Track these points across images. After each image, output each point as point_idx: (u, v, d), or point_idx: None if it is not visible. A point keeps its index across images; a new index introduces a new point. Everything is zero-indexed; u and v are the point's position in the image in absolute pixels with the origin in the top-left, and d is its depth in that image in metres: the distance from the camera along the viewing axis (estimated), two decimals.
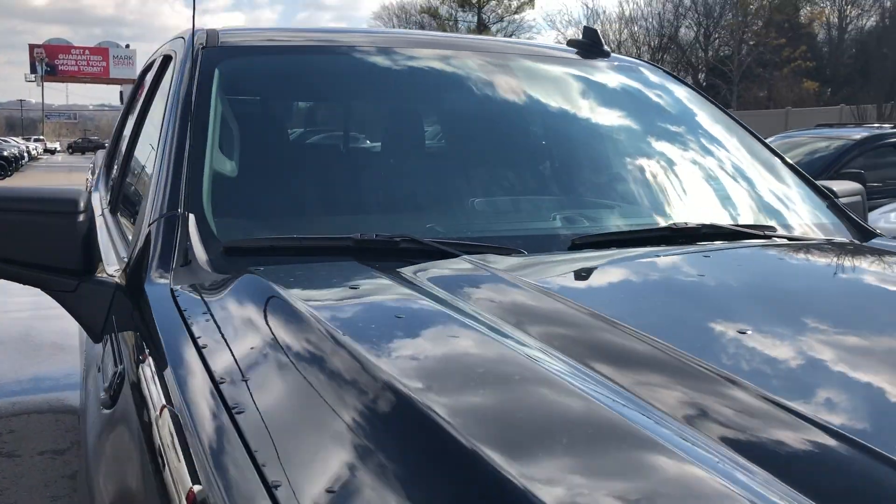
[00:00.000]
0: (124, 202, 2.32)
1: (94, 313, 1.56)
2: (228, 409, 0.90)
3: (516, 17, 48.33)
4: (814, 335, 1.13)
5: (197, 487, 0.83)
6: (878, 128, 8.90)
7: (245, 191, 1.74)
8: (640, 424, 0.80)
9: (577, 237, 1.62)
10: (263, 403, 0.91)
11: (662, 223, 1.74)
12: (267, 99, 2.03)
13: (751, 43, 40.22)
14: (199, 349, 1.09)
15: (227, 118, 1.85)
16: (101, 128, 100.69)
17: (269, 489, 0.74)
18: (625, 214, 1.82)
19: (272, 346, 1.05)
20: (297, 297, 1.18)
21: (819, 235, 1.87)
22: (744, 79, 38.76)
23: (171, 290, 1.36)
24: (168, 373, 1.09)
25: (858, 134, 8.30)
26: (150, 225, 1.57)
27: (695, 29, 43.98)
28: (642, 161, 2.03)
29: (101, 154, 4.59)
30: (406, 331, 1.08)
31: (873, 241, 1.85)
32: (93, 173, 4.41)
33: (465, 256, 1.44)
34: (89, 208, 1.58)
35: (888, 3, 41.52)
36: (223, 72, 1.90)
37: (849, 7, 43.05)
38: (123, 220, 2.18)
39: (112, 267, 1.75)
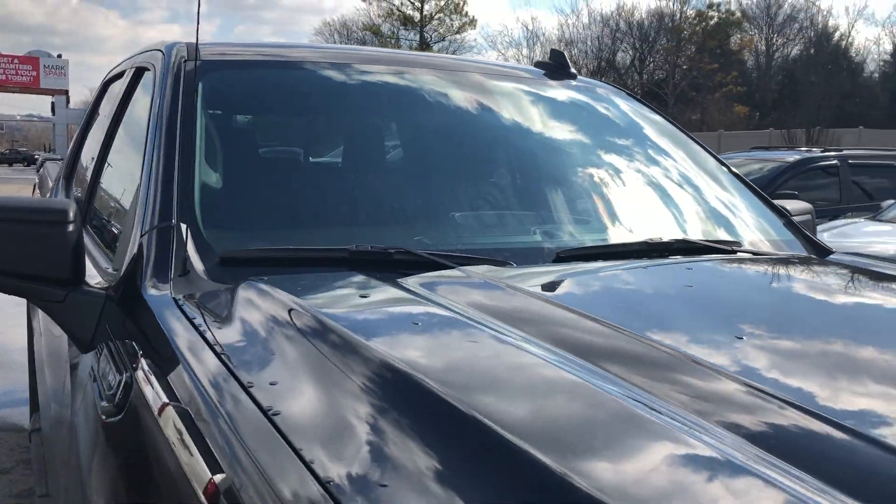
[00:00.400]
0: (97, 214, 2.30)
1: (84, 323, 1.55)
2: (263, 410, 0.93)
3: (458, 36, 48.84)
4: (794, 338, 1.22)
5: (218, 477, 0.86)
6: (808, 151, 9.31)
7: (235, 203, 1.76)
8: (653, 416, 0.87)
9: (561, 250, 1.69)
10: (296, 405, 0.94)
11: (636, 238, 1.83)
12: (251, 112, 2.06)
13: (684, 67, 41.50)
14: (217, 355, 1.11)
15: (212, 131, 1.87)
16: (29, 139, 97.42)
17: (323, 486, 0.78)
18: (600, 229, 1.91)
19: (293, 351, 1.09)
20: (308, 304, 1.21)
21: (779, 251, 1.98)
22: (678, 102, 39.93)
23: (174, 298, 1.38)
24: (186, 377, 1.11)
25: (791, 157, 8.67)
26: (142, 236, 1.58)
27: (631, 53, 45.19)
28: (613, 179, 2.12)
29: (50, 166, 4.48)
30: (426, 337, 1.13)
31: (831, 256, 1.97)
32: (41, 187, 4.31)
33: (462, 267, 1.50)
34: (78, 218, 1.58)
35: (811, 34, 43.51)
36: (207, 85, 1.92)
37: (775, 36, 44.90)
38: (97, 232, 2.16)
39: (93, 278, 1.75)
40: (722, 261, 1.73)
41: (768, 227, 2.13)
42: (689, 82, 40.06)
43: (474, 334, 1.12)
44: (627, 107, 2.46)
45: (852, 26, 46.84)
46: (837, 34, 43.34)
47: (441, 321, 1.19)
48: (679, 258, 1.71)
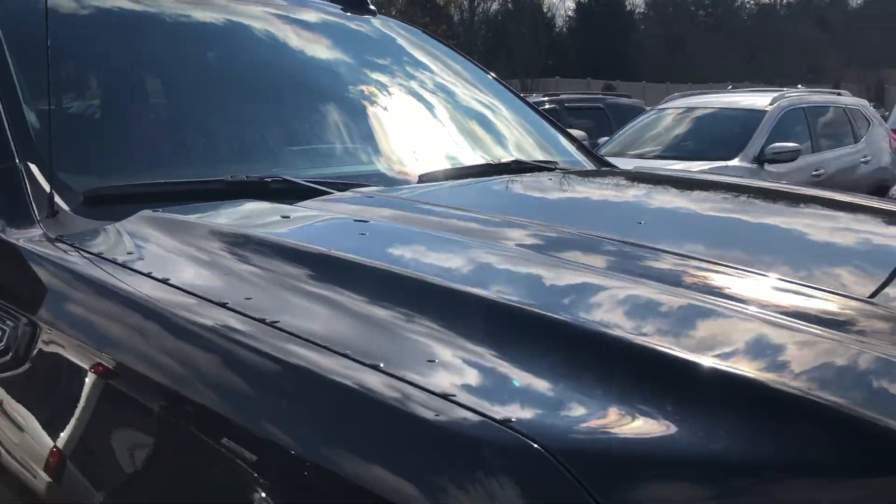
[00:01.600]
0: None
1: None
2: (262, 320, 0.92)
3: None
4: (660, 221, 1.48)
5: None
6: (528, 97, 10.17)
7: (77, 140, 1.62)
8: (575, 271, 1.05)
9: (422, 174, 1.78)
10: (287, 317, 0.94)
11: (478, 160, 1.97)
12: (70, 41, 1.85)
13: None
14: (159, 280, 1.06)
15: (28, 62, 1.68)
16: None
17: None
18: (444, 154, 2.02)
19: (247, 269, 1.07)
20: (234, 226, 1.18)
21: (580, 167, 2.25)
22: None
23: (58, 237, 1.27)
24: (125, 307, 1.04)
25: None
26: None
27: None
28: (438, 110, 2.24)
29: None
30: (384, 243, 1.17)
31: (628, 167, 2.29)
32: None
33: (354, 190, 1.53)
34: None
35: None
36: (10, 10, 1.73)
37: None
38: None
39: None
40: (555, 175, 1.93)
41: (568, 149, 2.40)
42: None
43: (423, 238, 1.19)
44: (431, 43, 2.58)
45: None
46: None
47: (389, 231, 1.23)
48: (524, 175, 1.88)
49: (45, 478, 1.07)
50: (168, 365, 0.97)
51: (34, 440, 1.11)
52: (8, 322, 1.20)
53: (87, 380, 1.06)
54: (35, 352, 1.14)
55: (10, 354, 1.17)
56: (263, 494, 0.79)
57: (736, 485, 0.70)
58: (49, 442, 1.08)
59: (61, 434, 1.06)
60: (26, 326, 1.17)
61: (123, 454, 0.98)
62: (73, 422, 1.04)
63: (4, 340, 1.19)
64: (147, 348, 1.00)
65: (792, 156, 6.99)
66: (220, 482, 0.85)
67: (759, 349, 0.86)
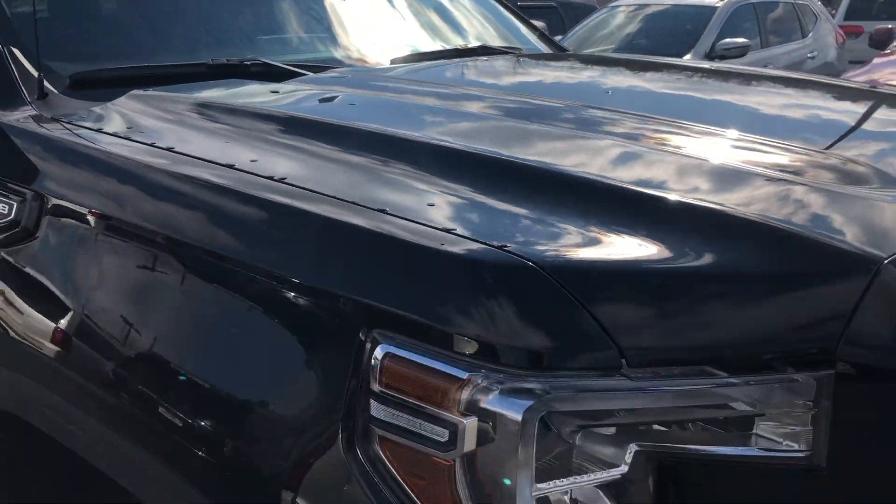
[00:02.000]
0: None
1: None
2: (270, 177, 1.00)
3: None
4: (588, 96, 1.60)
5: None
6: None
7: (59, 25, 1.63)
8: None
9: (394, 58, 1.84)
10: (292, 176, 1.02)
11: (447, 46, 2.04)
12: None
13: None
14: (163, 149, 1.12)
15: None
16: None
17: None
18: (412, 40, 2.07)
19: (243, 139, 1.14)
20: (231, 100, 1.25)
21: (546, 51, 2.34)
22: None
23: (53, 118, 1.31)
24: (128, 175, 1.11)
25: None
26: None
27: None
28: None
29: None
30: (373, 111, 1.25)
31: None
32: None
33: (332, 70, 1.59)
34: None
35: None
36: None
37: None
38: None
39: None
40: (521, 57, 2.02)
41: (530, 38, 2.47)
42: None
43: (406, 105, 1.28)
44: None
45: None
46: None
47: (374, 101, 1.31)
48: (494, 57, 1.96)
49: (53, 347, 1.15)
50: (187, 223, 1.05)
51: (47, 308, 1.19)
52: (13, 197, 1.25)
53: (100, 241, 1.14)
54: (46, 223, 1.20)
55: (20, 227, 1.23)
56: (283, 319, 0.90)
57: (701, 291, 0.82)
58: (64, 308, 1.15)
59: (75, 299, 1.13)
60: (33, 202, 1.23)
61: (142, 308, 1.06)
62: (89, 283, 1.12)
63: (12, 215, 1.24)
64: (161, 209, 1.08)
65: (741, 51, 7.10)
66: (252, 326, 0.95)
67: (720, 186, 0.98)
